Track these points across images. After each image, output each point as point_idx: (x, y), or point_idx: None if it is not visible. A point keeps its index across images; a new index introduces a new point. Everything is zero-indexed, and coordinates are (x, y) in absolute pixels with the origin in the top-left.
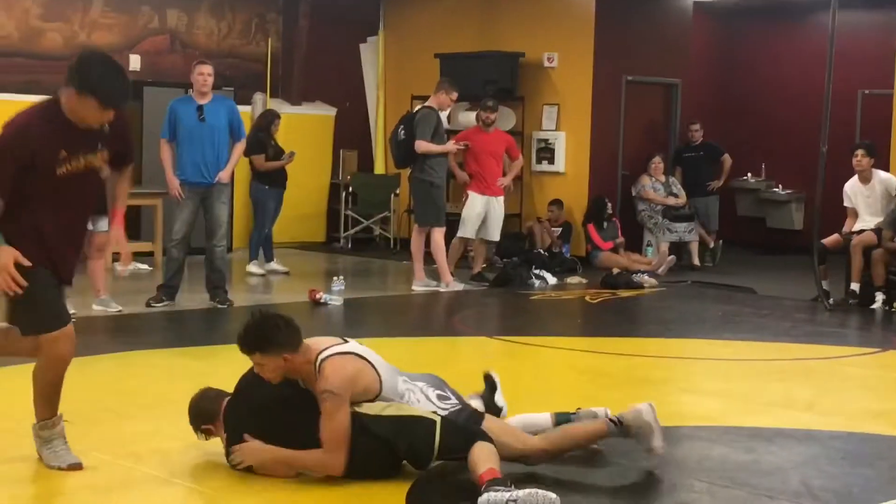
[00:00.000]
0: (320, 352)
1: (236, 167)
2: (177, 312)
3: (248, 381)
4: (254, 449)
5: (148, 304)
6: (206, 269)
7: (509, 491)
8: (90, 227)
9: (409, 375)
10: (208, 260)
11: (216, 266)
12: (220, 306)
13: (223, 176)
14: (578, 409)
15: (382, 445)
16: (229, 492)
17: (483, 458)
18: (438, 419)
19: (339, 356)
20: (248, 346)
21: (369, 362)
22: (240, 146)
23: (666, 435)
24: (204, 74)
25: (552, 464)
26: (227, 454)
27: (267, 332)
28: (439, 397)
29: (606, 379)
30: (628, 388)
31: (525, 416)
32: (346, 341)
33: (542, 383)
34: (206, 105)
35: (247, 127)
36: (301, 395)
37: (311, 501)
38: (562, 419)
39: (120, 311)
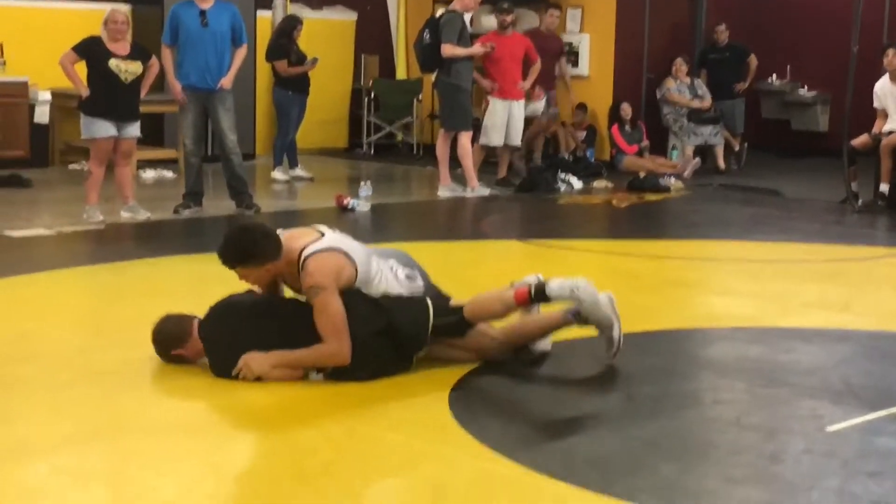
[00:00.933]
0: (301, 250)
1: (254, 74)
2: (209, 219)
3: (230, 297)
4: (257, 358)
5: (175, 211)
6: (225, 177)
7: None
8: (117, 133)
9: (381, 252)
10: (226, 168)
11: (235, 173)
12: (246, 212)
13: (226, 82)
14: (512, 282)
15: (380, 330)
16: (267, 392)
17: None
18: (429, 300)
19: (320, 254)
20: (229, 261)
21: (346, 253)
22: (241, 51)
23: (703, 336)
24: None
25: (592, 365)
26: (217, 370)
27: (246, 245)
28: (407, 277)
29: (638, 281)
30: (661, 290)
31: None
32: (323, 234)
33: None
34: (208, 10)
35: (268, 32)
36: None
37: (346, 412)
38: None
39: (149, 217)
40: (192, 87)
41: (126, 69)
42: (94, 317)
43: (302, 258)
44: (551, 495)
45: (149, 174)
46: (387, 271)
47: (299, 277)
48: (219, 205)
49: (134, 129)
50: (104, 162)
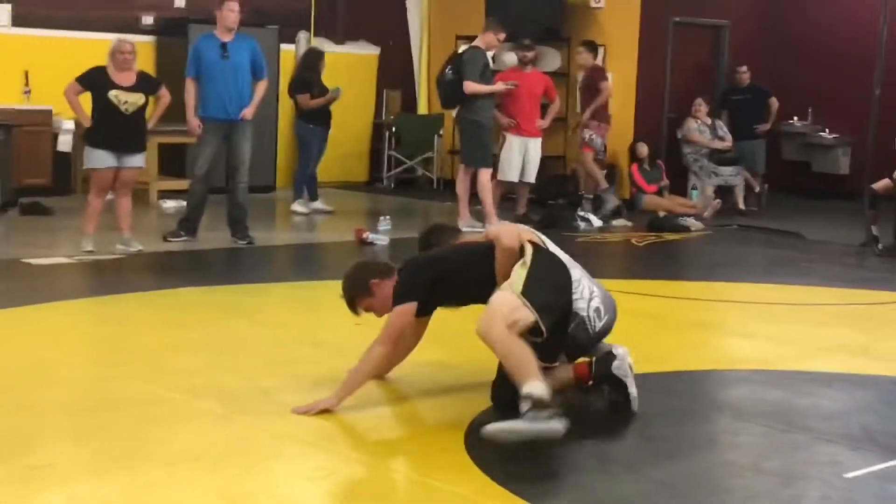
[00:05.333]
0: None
1: (276, 106)
2: (211, 251)
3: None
4: (326, 401)
5: (165, 239)
6: (227, 206)
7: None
8: (116, 164)
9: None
10: (231, 196)
11: (238, 202)
12: (239, 242)
13: (247, 113)
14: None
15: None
16: (288, 424)
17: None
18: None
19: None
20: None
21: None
22: (262, 85)
23: (722, 378)
24: (235, 12)
25: (608, 405)
26: None
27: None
28: (596, 311)
29: (657, 321)
30: (680, 331)
31: None
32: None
33: None
34: (229, 42)
35: (291, 65)
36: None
37: (365, 448)
38: None
39: (140, 250)
40: (212, 118)
41: (126, 100)
42: (113, 347)
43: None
44: None
45: (170, 204)
46: (586, 291)
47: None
48: (213, 237)
49: (136, 160)
50: (103, 193)
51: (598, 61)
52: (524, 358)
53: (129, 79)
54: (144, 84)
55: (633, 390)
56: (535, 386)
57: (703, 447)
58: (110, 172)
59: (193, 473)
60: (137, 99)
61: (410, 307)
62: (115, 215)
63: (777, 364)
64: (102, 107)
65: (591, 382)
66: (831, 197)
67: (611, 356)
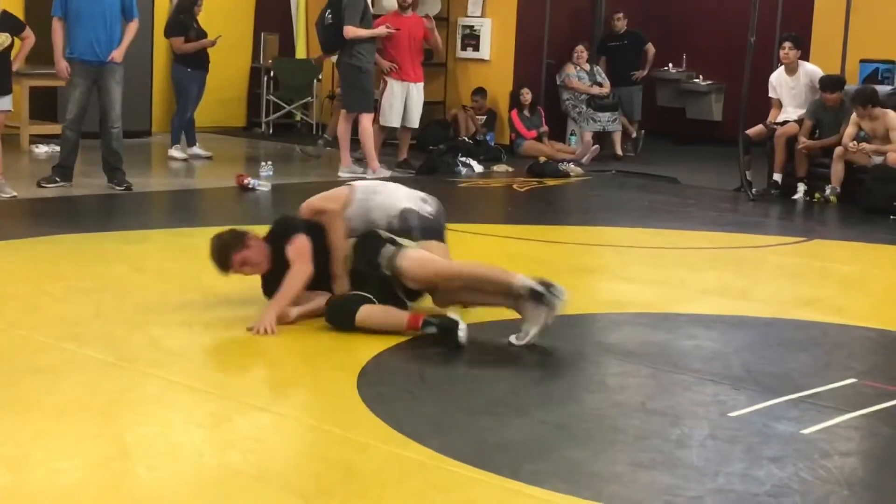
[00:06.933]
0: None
1: (151, 49)
2: (87, 197)
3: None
4: (268, 314)
5: (39, 185)
6: (102, 152)
7: None
8: None
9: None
10: (104, 141)
11: (113, 148)
12: (117, 188)
13: (116, 55)
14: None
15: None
16: (178, 373)
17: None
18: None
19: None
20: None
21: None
22: (132, 26)
23: (607, 321)
24: None
25: (499, 349)
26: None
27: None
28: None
29: (542, 266)
30: (565, 275)
31: None
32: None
33: None
34: None
35: (166, 7)
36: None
37: (256, 394)
38: None
39: (14, 196)
40: (81, 59)
41: None
42: None
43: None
44: (461, 480)
45: (42, 149)
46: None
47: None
48: (90, 182)
49: (3, 103)
50: None
51: (476, 6)
52: (487, 269)
53: None
54: (8, 23)
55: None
56: (519, 278)
57: (592, 389)
58: None
59: (84, 422)
60: (3, 40)
61: (303, 236)
62: None
63: (659, 307)
64: None
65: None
66: (705, 143)
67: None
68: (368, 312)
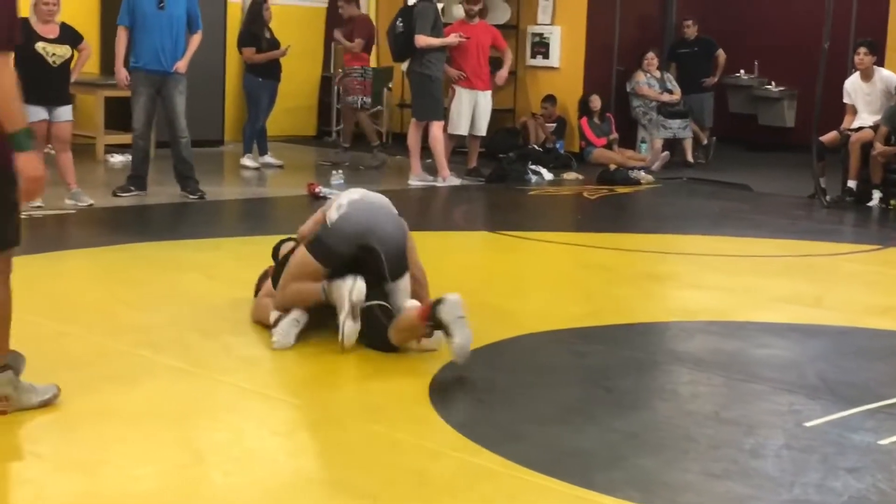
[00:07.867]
0: None
1: (224, 60)
2: (161, 206)
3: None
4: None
5: (114, 194)
6: (173, 161)
7: None
8: (48, 117)
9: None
10: (174, 151)
11: (182, 157)
12: (190, 196)
13: (180, 66)
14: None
15: None
16: (252, 380)
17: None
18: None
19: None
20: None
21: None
22: (196, 37)
23: (679, 330)
24: None
25: (569, 357)
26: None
27: None
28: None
29: (611, 274)
30: (634, 283)
31: None
32: None
33: (549, 278)
34: None
35: (238, 18)
36: None
37: (326, 399)
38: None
39: (91, 204)
40: (146, 69)
41: (53, 52)
42: (68, 303)
43: None
44: (532, 487)
45: (117, 159)
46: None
47: None
48: (163, 191)
49: (65, 113)
50: (40, 146)
51: (546, 14)
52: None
53: (53, 31)
54: (69, 36)
55: (457, 339)
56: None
57: (664, 398)
58: (44, 125)
59: (159, 428)
60: (64, 52)
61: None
62: (58, 172)
63: (731, 315)
64: (29, 59)
65: (429, 325)
66: (777, 149)
67: (440, 300)
68: (395, 329)
